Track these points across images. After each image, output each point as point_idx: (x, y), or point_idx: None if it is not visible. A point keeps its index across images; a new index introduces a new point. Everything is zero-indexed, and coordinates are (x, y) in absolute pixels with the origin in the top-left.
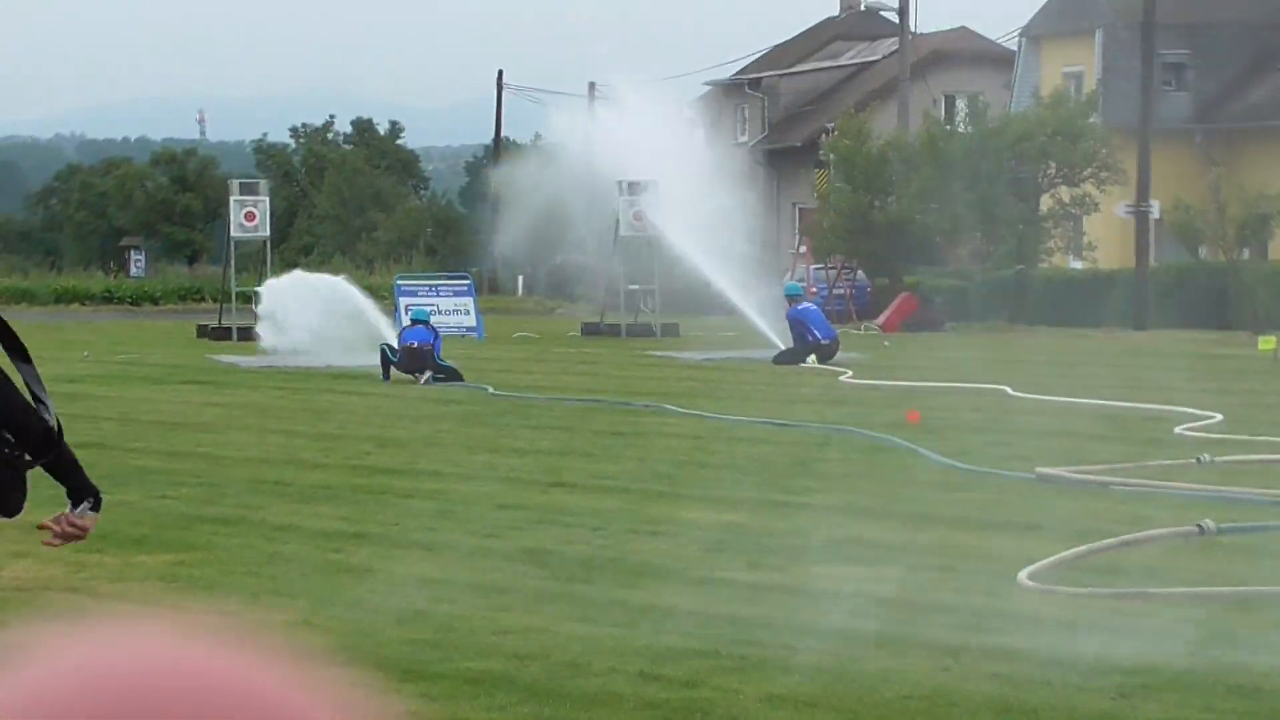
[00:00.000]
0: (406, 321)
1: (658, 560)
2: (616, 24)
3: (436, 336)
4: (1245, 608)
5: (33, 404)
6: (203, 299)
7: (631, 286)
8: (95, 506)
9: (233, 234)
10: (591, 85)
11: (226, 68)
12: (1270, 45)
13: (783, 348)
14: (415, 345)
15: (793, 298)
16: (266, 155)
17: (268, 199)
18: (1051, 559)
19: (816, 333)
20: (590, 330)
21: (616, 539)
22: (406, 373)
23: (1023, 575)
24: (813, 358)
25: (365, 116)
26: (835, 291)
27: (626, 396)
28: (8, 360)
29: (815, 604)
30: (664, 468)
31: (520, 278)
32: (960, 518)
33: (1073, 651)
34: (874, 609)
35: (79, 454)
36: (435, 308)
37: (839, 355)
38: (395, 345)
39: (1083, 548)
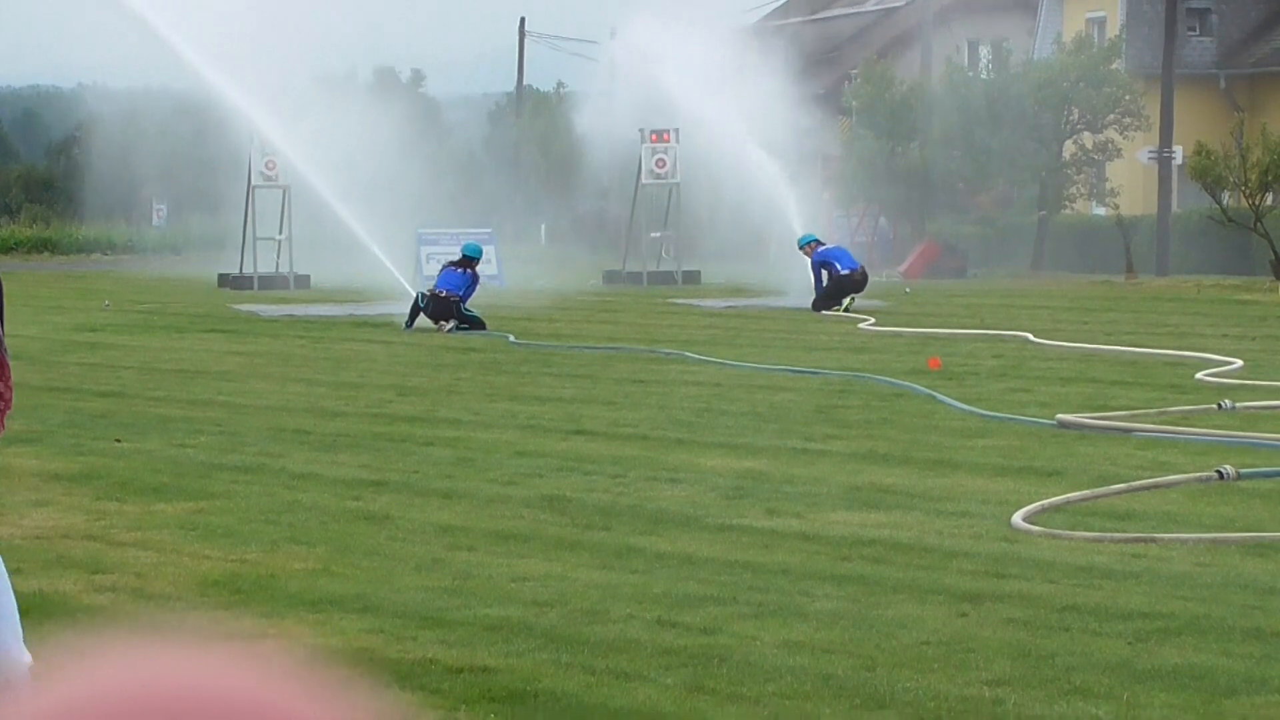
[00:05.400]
0: (433, 269)
1: (677, 507)
2: None
3: (474, 283)
4: (1262, 553)
5: None
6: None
7: (653, 234)
8: None
9: (254, 184)
10: (613, 31)
11: (247, 16)
12: None
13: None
14: (443, 293)
15: (807, 245)
16: None
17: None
18: (1042, 503)
19: (838, 266)
20: (612, 278)
21: (636, 486)
22: (431, 319)
23: (1017, 518)
24: (849, 299)
25: (387, 65)
26: (857, 239)
27: (648, 344)
28: None
29: (833, 550)
30: (684, 415)
31: (544, 226)
32: (980, 464)
33: (1089, 597)
34: (891, 555)
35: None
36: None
37: (862, 301)
38: (427, 292)
39: (1079, 493)
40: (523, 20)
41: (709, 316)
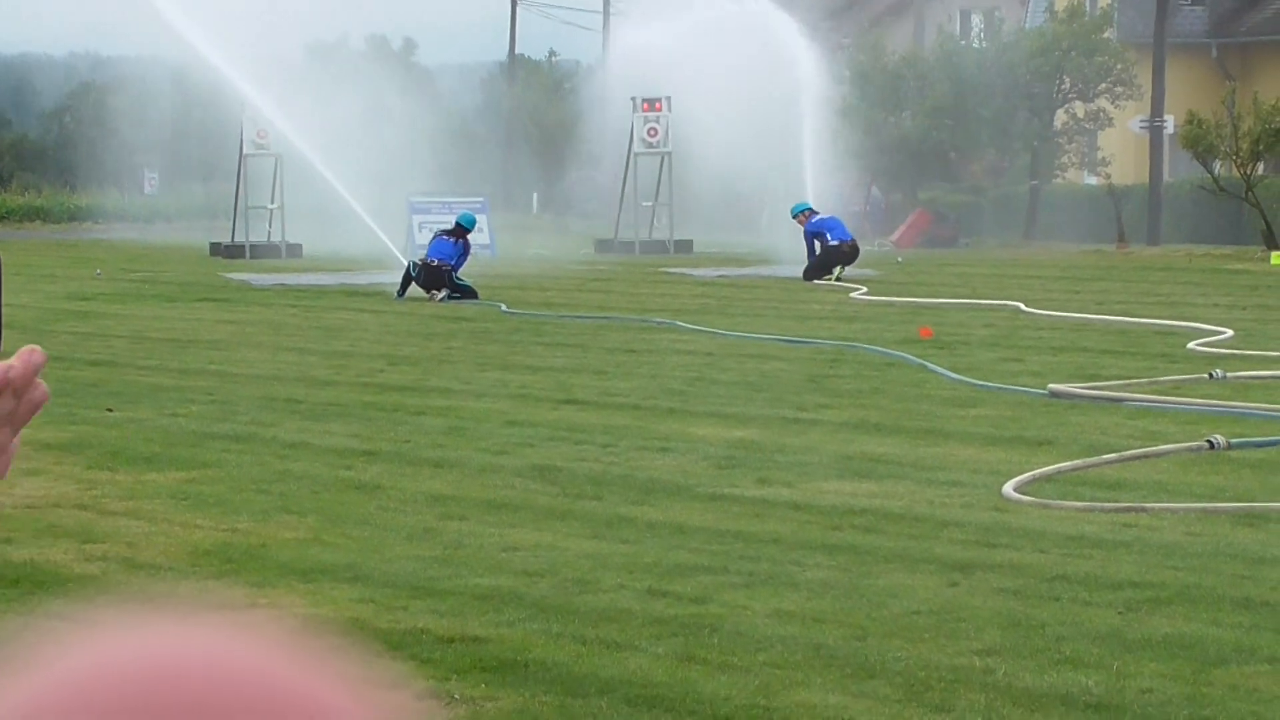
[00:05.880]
0: (425, 238)
1: (668, 477)
2: None
3: (466, 252)
4: (1252, 522)
5: None
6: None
7: (645, 203)
8: None
9: (245, 152)
10: (606, 1)
11: None
12: None
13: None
14: (435, 262)
15: (801, 214)
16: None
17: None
18: (1033, 473)
19: (829, 236)
20: (604, 247)
21: (626, 455)
22: (423, 289)
23: (1008, 487)
24: (839, 269)
25: (378, 33)
26: (851, 209)
27: (639, 313)
28: None
29: (824, 520)
30: (675, 384)
31: (535, 195)
32: (971, 434)
33: (1079, 566)
34: (882, 525)
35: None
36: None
37: (853, 271)
38: (419, 260)
39: (1071, 463)
40: None
41: (701, 286)
